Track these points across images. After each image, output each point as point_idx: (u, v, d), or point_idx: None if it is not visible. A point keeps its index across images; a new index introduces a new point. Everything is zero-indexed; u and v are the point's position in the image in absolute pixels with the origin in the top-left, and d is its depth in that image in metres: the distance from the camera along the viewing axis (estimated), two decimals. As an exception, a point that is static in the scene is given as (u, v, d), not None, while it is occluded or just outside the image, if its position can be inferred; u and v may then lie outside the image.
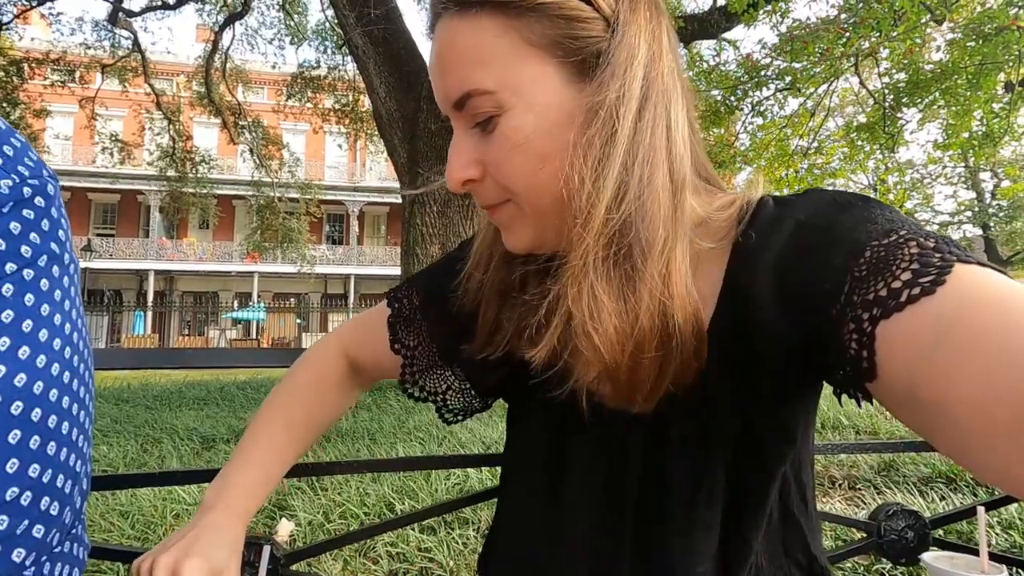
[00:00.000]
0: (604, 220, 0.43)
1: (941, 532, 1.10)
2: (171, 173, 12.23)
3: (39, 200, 0.36)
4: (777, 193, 0.54)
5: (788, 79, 5.44)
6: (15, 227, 0.34)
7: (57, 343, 0.35)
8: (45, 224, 0.36)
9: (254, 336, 18.80)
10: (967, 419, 0.33)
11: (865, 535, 0.96)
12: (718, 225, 0.49)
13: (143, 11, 8.96)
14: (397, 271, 15.00)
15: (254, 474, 0.61)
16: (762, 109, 6.06)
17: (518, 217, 0.48)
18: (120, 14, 8.95)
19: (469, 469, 2.62)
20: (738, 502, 0.50)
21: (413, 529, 2.10)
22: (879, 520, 0.95)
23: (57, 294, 0.36)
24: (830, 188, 0.54)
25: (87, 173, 19.70)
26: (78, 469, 0.36)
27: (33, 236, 0.35)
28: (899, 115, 5.91)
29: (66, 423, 0.35)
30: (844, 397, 0.45)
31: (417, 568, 1.96)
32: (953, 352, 0.34)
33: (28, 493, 0.32)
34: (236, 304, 21.33)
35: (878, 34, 4.62)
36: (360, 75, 6.89)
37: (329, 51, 11.06)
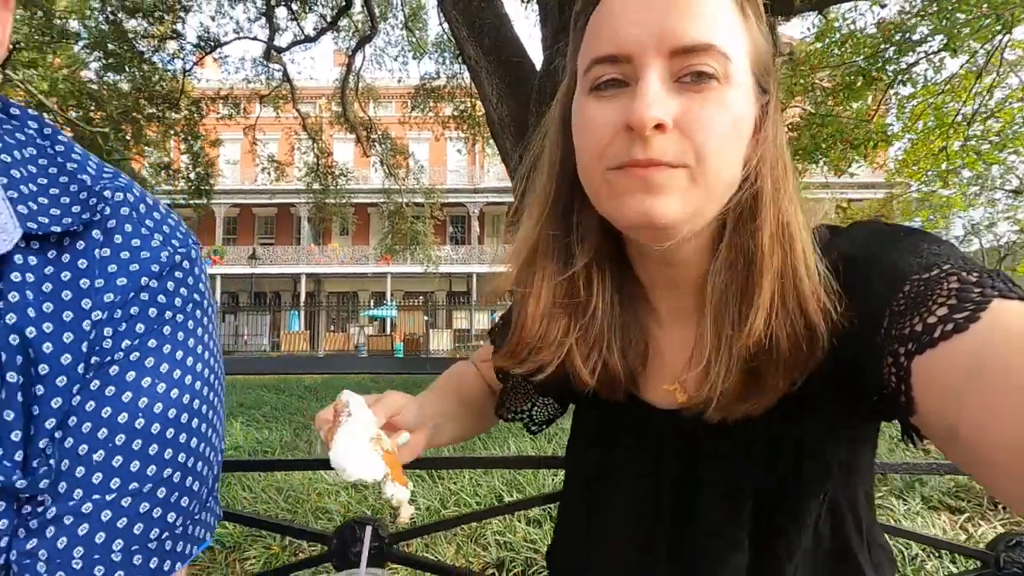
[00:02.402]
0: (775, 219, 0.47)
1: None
2: (316, 186, 13.67)
3: (186, 263, 0.49)
4: (835, 223, 0.55)
5: (941, 38, 4.73)
6: (171, 285, 0.47)
7: (199, 365, 0.48)
8: (191, 280, 0.49)
9: (388, 332, 20.39)
10: (1003, 460, 0.33)
11: (980, 564, 0.88)
12: None
13: (290, 46, 10.12)
14: (515, 269, 15.38)
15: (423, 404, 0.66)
16: (909, 76, 5.33)
17: (684, 186, 0.46)
18: (272, 51, 10.19)
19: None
20: (770, 524, 0.52)
21: (520, 521, 2.22)
22: (998, 551, 0.86)
23: (199, 331, 0.49)
24: (883, 221, 0.54)
25: (251, 191, 22.70)
26: (211, 458, 0.49)
27: (183, 290, 0.48)
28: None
29: (207, 421, 0.48)
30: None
31: (523, 558, 2.07)
32: (986, 388, 0.34)
33: (178, 474, 0.45)
34: (372, 303, 23.34)
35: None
36: (474, 83, 7.23)
37: (447, 61, 11.67)
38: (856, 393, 0.46)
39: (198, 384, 0.47)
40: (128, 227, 0.45)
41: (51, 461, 0.41)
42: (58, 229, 0.42)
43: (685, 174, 0.45)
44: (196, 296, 0.49)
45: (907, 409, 0.39)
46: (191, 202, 11.75)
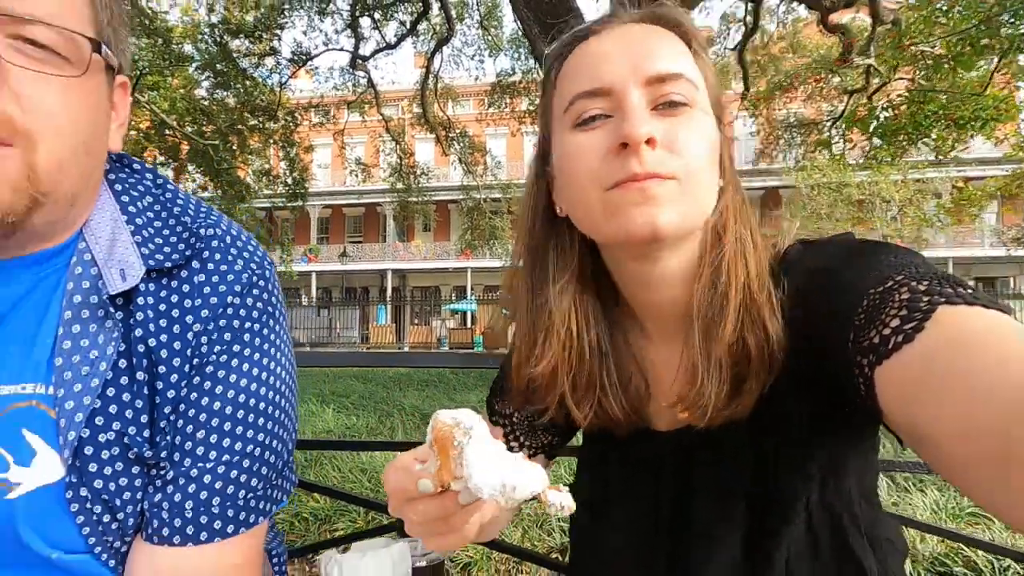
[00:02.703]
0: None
1: None
2: (399, 186, 14.31)
3: (262, 282, 0.62)
4: (810, 236, 0.58)
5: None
6: (250, 301, 0.60)
7: (272, 363, 0.61)
8: (265, 295, 0.62)
9: (469, 326, 20.97)
10: (959, 451, 0.36)
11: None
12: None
13: (373, 53, 10.65)
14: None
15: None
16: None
17: (677, 197, 0.50)
18: (357, 60, 10.77)
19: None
20: (762, 526, 0.54)
21: (583, 511, 2.29)
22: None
23: (272, 336, 0.62)
24: (853, 236, 0.56)
25: (341, 192, 24.10)
26: (285, 437, 0.61)
27: (259, 304, 0.61)
28: None
29: (281, 408, 0.61)
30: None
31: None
32: (934, 389, 0.38)
33: (259, 449, 0.58)
34: (453, 296, 24.07)
35: None
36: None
37: (523, 56, 11.77)
38: (833, 401, 0.49)
39: (272, 379, 0.59)
40: (217, 255, 0.58)
41: (168, 438, 0.54)
42: (169, 264, 0.55)
43: (676, 185, 0.50)
44: (270, 308, 0.62)
45: (877, 414, 0.43)
46: (289, 204, 12.74)
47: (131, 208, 0.57)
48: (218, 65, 10.33)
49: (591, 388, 0.58)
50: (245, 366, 0.57)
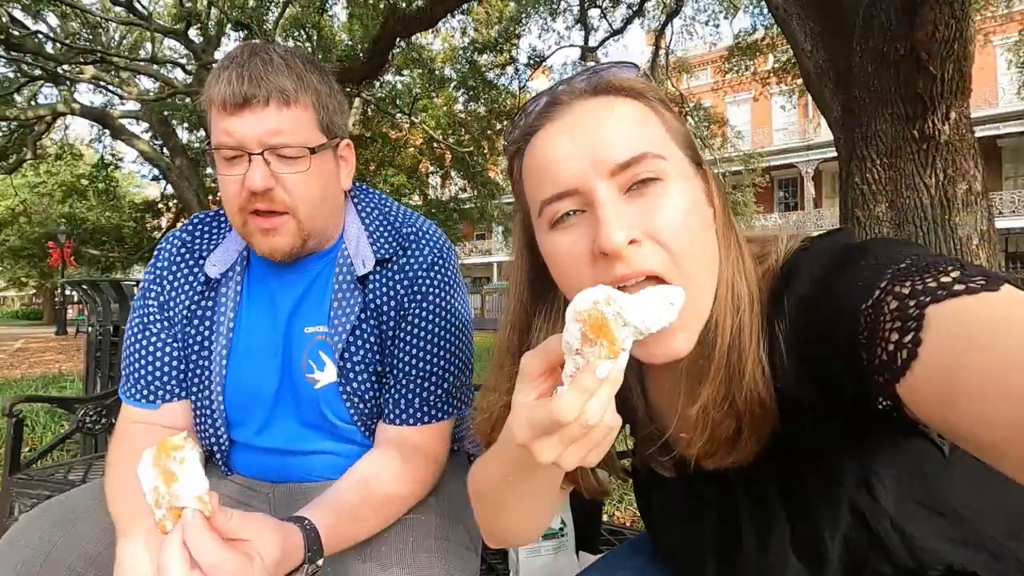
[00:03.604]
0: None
1: None
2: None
3: (440, 261, 0.91)
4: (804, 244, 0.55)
5: None
6: (432, 274, 0.90)
7: (450, 315, 0.90)
8: (443, 271, 0.91)
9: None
10: (1001, 437, 0.34)
11: None
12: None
13: (601, 42, 10.90)
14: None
15: None
16: None
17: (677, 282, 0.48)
18: (587, 51, 11.19)
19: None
20: (798, 528, 0.56)
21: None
22: None
23: (449, 298, 0.91)
24: (838, 242, 0.53)
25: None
26: (462, 362, 0.90)
27: (439, 278, 0.91)
28: None
29: (457, 343, 0.90)
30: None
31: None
32: (967, 399, 0.35)
33: (440, 369, 0.87)
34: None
35: None
36: (784, 34, 6.50)
37: (764, 10, 10.66)
38: (855, 417, 0.48)
39: (448, 326, 0.89)
40: (413, 247, 0.90)
41: (389, 360, 0.88)
42: (387, 256, 0.88)
43: (673, 272, 0.49)
44: (448, 279, 0.91)
45: (914, 424, 0.43)
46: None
47: (366, 220, 0.93)
48: (470, 81, 11.88)
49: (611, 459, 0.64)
50: (430, 316, 0.88)
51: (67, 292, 16.28)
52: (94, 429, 1.75)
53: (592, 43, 10.98)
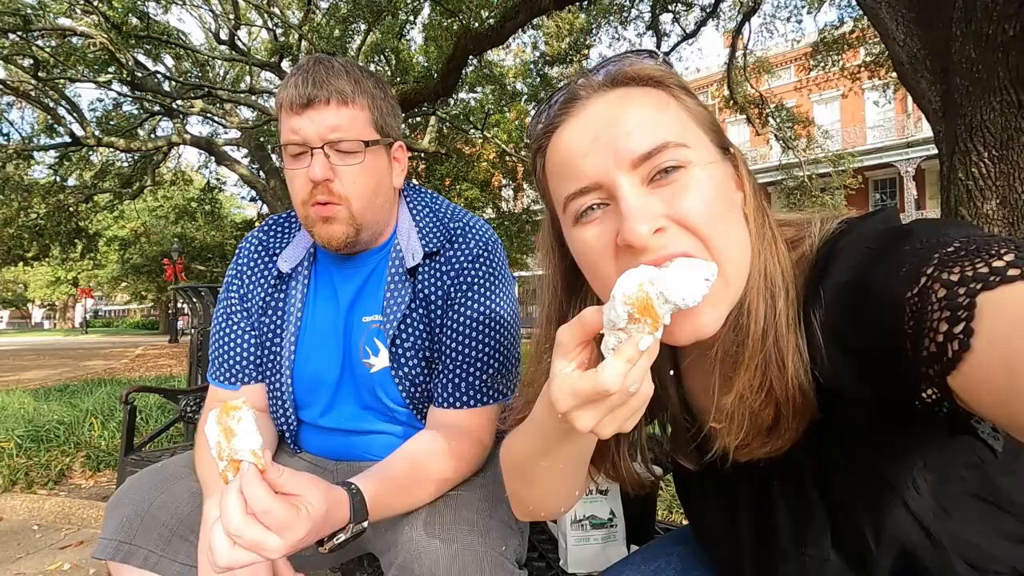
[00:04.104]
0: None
1: None
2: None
3: (486, 253, 0.96)
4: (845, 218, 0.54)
5: None
6: (477, 265, 0.95)
7: (494, 305, 0.94)
8: (488, 262, 0.95)
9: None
10: None
11: None
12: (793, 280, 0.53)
13: (673, 48, 10.69)
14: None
15: None
16: None
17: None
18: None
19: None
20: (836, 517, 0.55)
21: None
22: None
23: (495, 287, 0.95)
24: (892, 214, 0.51)
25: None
26: (509, 350, 0.93)
27: (484, 268, 0.95)
28: None
29: (502, 331, 0.93)
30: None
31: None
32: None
33: (486, 356, 0.91)
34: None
35: None
36: (873, 25, 6.06)
37: (851, 1, 10.04)
38: (891, 410, 0.46)
39: (493, 315, 0.93)
40: (459, 241, 0.95)
41: (436, 345, 0.93)
42: (435, 249, 0.94)
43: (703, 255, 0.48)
44: (492, 270, 0.95)
45: (967, 420, 0.43)
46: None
47: (416, 216, 0.99)
48: (541, 94, 12.03)
49: (644, 452, 0.65)
50: (475, 305, 0.92)
51: (179, 304, 18.00)
52: (194, 418, 1.95)
53: (664, 48, 10.80)
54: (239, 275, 1.03)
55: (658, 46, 10.92)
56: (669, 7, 10.28)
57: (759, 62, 12.79)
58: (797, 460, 0.55)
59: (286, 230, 1.05)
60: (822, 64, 11.04)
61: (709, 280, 0.42)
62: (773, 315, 0.50)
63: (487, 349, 0.91)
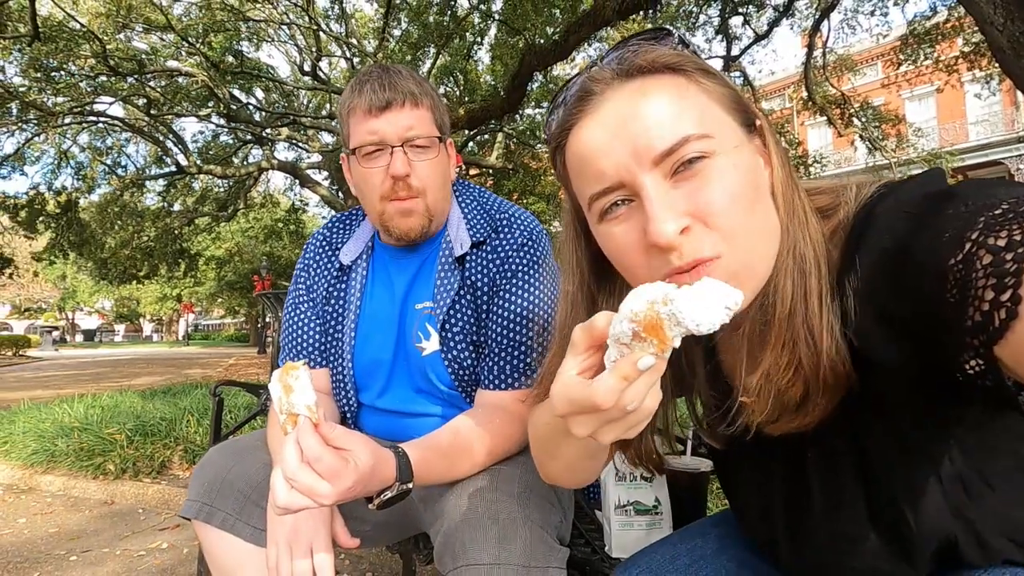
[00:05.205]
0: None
1: None
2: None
3: (531, 242, 1.00)
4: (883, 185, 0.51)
5: None
6: (522, 254, 0.99)
7: (537, 292, 0.98)
8: (533, 251, 0.99)
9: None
10: None
11: None
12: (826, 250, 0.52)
13: (744, 51, 10.37)
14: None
15: None
16: None
17: (733, 269, 0.47)
18: (729, 62, 10.70)
19: None
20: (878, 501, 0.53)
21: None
22: None
23: (539, 276, 0.99)
24: (939, 174, 0.49)
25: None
26: (543, 336, 0.97)
27: (528, 257, 0.99)
28: None
29: (546, 318, 0.97)
30: None
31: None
32: None
33: (527, 340, 0.95)
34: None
35: None
36: (967, 10, 5.60)
37: (946, -11, 9.34)
38: (931, 383, 0.45)
39: (536, 301, 0.96)
40: (505, 231, 1.00)
41: (483, 331, 0.98)
42: (482, 239, 0.99)
43: (727, 259, 0.48)
44: (536, 259, 0.99)
45: (1014, 391, 0.41)
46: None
47: (464, 208, 1.05)
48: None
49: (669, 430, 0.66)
50: (519, 291, 0.96)
51: (267, 318, 19.32)
52: (273, 412, 2.11)
53: (735, 52, 10.48)
54: (306, 268, 1.13)
55: (728, 50, 10.60)
56: (740, 10, 9.98)
57: (840, 60, 12.11)
58: (831, 434, 0.54)
59: (347, 226, 1.14)
60: (913, 58, 10.31)
61: (731, 309, 0.40)
62: (803, 293, 0.49)
63: (531, 333, 0.95)
